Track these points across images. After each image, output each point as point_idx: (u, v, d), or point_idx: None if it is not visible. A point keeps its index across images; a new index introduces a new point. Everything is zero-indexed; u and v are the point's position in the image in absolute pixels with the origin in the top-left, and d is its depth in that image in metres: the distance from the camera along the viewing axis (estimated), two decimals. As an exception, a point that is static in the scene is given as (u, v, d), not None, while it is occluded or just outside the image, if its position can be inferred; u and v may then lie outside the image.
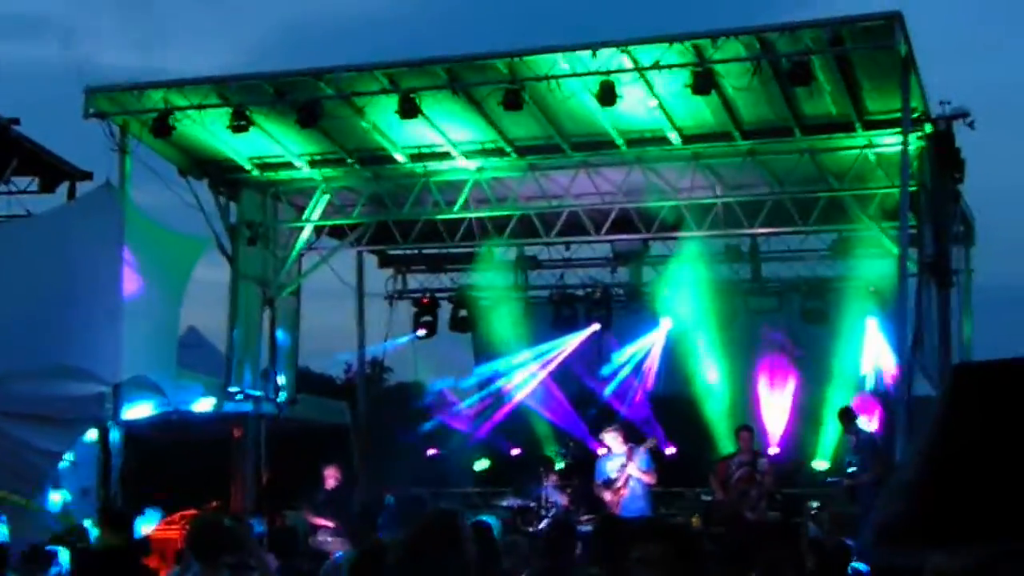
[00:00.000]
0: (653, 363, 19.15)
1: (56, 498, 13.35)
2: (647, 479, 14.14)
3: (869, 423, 15.50)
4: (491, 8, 75.87)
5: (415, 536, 5.16)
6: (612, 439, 14.45)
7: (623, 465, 14.13)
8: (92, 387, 13.54)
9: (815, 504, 14.37)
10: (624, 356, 19.25)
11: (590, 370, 19.48)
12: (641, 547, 4.48)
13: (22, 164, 16.74)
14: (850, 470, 14.21)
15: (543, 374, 19.68)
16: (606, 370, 19.28)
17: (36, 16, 77.03)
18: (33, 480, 13.06)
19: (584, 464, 16.32)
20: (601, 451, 15.14)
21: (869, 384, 17.48)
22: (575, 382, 19.68)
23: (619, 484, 14.08)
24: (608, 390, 19.08)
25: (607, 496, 14.20)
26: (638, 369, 19.17)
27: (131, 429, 14.10)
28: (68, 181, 17.17)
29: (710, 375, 18.36)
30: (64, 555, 10.74)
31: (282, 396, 17.07)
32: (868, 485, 13.59)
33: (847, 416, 14.58)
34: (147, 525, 13.97)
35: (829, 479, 15.05)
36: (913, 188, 13.25)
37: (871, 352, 17.59)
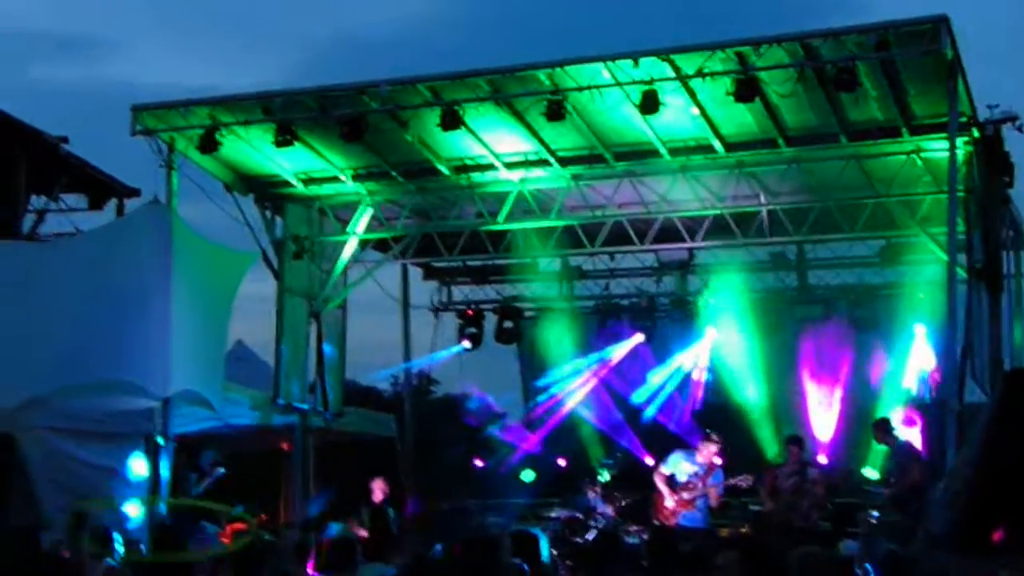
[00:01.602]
0: (701, 374, 19.05)
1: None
2: (715, 501, 14.06)
3: (909, 431, 15.34)
4: (531, 20, 76.01)
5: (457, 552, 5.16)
6: (705, 448, 14.21)
7: (696, 475, 14.00)
8: (142, 402, 13.64)
9: (875, 513, 14.21)
10: (669, 368, 19.15)
11: (630, 385, 19.41)
12: (723, 554, 4.58)
13: (71, 182, 16.96)
14: (891, 479, 14.06)
15: (590, 385, 19.66)
16: (641, 395, 19.14)
17: (83, 36, 78.21)
18: (86, 495, 13.16)
19: (632, 475, 16.27)
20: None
21: (913, 392, 17.30)
22: (617, 397, 19.63)
23: (690, 496, 13.96)
24: (652, 409, 18.98)
25: (671, 501, 14.00)
26: (685, 381, 19.06)
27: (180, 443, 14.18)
28: (116, 198, 17.38)
29: (756, 384, 18.26)
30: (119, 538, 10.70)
31: (330, 409, 17.15)
32: (908, 492, 13.47)
33: (882, 427, 14.42)
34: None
35: (866, 487, 14.84)
36: (961, 193, 13.10)
37: (916, 360, 17.41)
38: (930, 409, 16.19)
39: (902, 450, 14.10)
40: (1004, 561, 4.63)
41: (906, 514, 13.26)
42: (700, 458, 14.22)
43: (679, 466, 14.24)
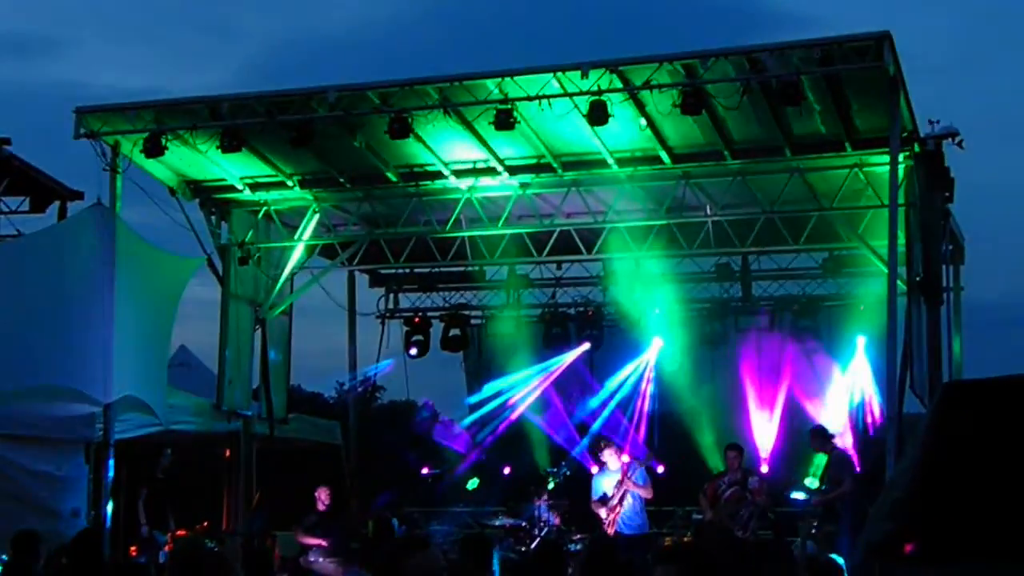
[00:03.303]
0: (647, 383, 19.13)
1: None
2: (645, 493, 14.21)
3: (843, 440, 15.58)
4: (484, 30, 76.14)
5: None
6: (609, 456, 14.46)
7: (619, 482, 14.15)
8: (83, 407, 13.51)
9: (815, 523, 14.37)
10: (616, 379, 19.21)
11: (576, 394, 19.47)
12: (660, 568, 4.57)
13: (12, 184, 16.74)
14: (823, 487, 14.21)
15: (536, 393, 19.70)
16: (588, 406, 19.22)
17: (28, 36, 77.19)
18: (27, 501, 13.02)
19: (579, 482, 16.32)
20: (594, 469, 15.14)
21: (848, 403, 17.52)
22: (565, 405, 19.67)
23: (615, 501, 14.09)
24: (598, 422, 19.03)
25: (604, 513, 14.17)
26: (633, 392, 19.10)
27: (122, 449, 14.06)
28: (59, 201, 17.17)
29: (699, 394, 18.40)
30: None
31: (274, 416, 17.06)
32: (836, 502, 13.66)
33: (819, 434, 14.60)
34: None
35: (793, 495, 14.94)
36: (902, 207, 13.30)
37: (855, 372, 17.64)
38: (861, 434, 16.52)
39: (837, 460, 14.29)
40: (935, 571, 4.70)
41: (835, 523, 13.49)
42: (612, 465, 14.41)
43: (602, 484, 14.38)
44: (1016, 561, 4.69)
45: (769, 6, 69.11)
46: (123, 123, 14.21)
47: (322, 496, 14.95)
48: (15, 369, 12.96)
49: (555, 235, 16.34)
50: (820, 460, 14.56)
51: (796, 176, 14.58)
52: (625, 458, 14.43)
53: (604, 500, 14.28)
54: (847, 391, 17.67)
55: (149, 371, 14.46)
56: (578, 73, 12.65)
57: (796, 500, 14.77)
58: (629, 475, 14.15)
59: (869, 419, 17.51)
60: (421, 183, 15.59)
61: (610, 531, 14.03)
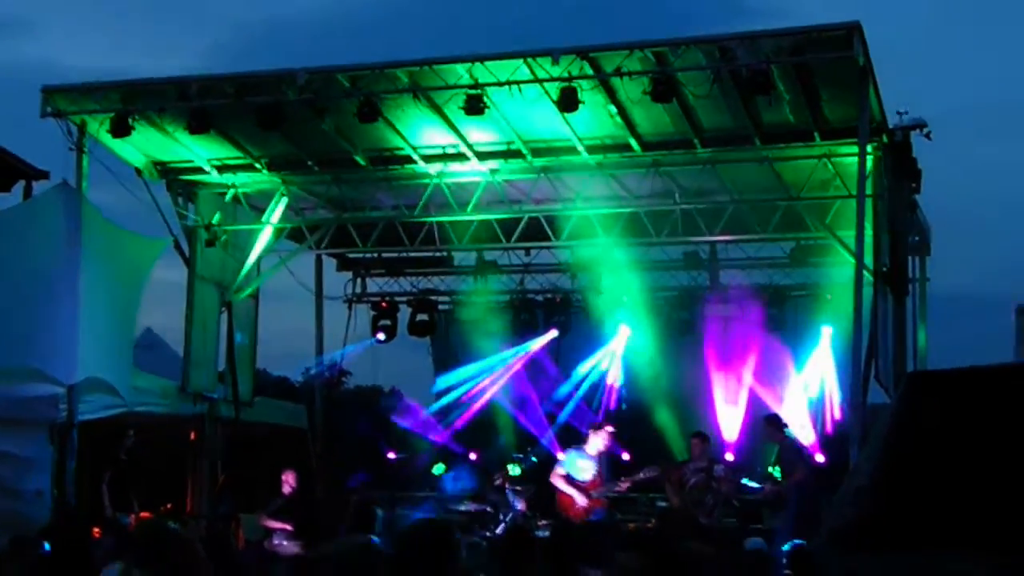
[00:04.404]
0: (616, 372, 19.14)
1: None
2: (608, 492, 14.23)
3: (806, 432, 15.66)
4: (456, 14, 75.94)
5: (406, 549, 5.13)
6: (596, 440, 14.34)
7: (596, 470, 14.12)
8: (47, 388, 13.41)
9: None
10: (584, 367, 19.20)
11: (544, 381, 19.46)
12: (622, 555, 4.55)
13: (-23, 163, 16.55)
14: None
15: (503, 379, 19.67)
16: (556, 393, 19.22)
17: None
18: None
19: (547, 469, 16.33)
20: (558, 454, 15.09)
21: (808, 393, 17.60)
22: (534, 391, 19.66)
23: (599, 493, 14.08)
24: (567, 409, 19.02)
25: (580, 500, 14.08)
26: (599, 380, 19.10)
27: (85, 430, 13.97)
28: (24, 180, 17.00)
29: (665, 382, 18.42)
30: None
31: (240, 399, 17.00)
32: (791, 490, 13.74)
33: (773, 423, 14.67)
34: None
35: (751, 485, 14.99)
36: (870, 198, 13.36)
37: (815, 361, 17.73)
38: (821, 431, 16.62)
39: (790, 448, 14.38)
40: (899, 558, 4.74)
41: (791, 512, 13.57)
42: (592, 450, 14.36)
43: (575, 464, 14.34)
44: (977, 550, 4.74)
45: (740, -4, 69.34)
46: (90, 103, 14.10)
47: (288, 479, 14.90)
48: (-21, 350, 12.86)
49: (524, 221, 16.33)
50: (775, 449, 14.63)
51: (765, 165, 14.63)
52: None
53: (575, 483, 14.21)
54: (809, 382, 17.75)
55: (114, 352, 14.38)
56: (549, 59, 12.65)
57: (748, 488, 14.78)
58: (602, 473, 14.13)
59: (829, 415, 17.60)
60: (390, 167, 15.55)
61: (583, 518, 14.00)
